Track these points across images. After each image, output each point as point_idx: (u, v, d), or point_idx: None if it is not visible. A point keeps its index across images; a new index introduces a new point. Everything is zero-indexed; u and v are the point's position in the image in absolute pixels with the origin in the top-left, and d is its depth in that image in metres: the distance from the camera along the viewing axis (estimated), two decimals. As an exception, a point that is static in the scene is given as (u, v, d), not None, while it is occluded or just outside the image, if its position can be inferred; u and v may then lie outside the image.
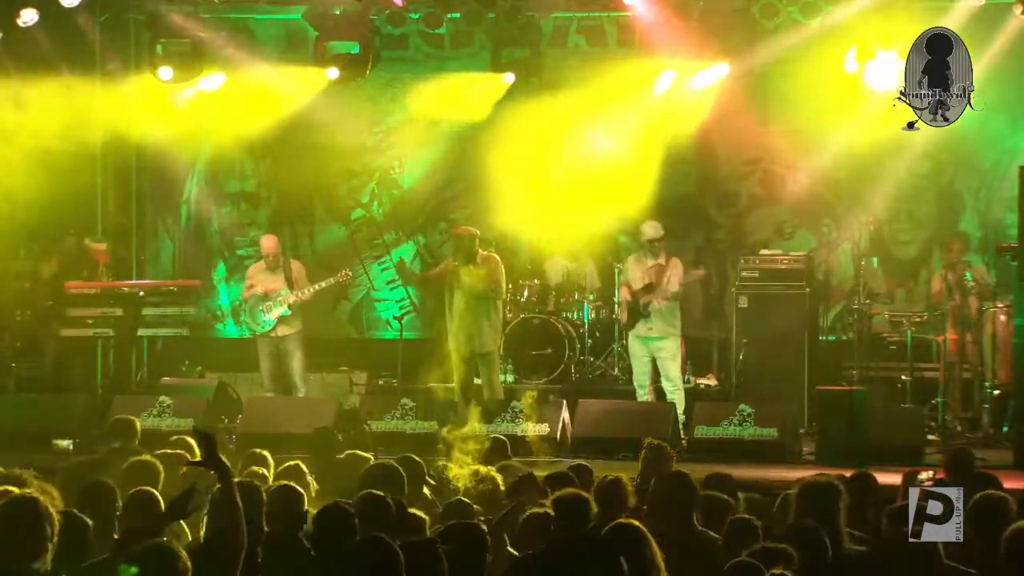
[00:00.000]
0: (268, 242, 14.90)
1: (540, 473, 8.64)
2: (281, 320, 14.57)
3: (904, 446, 12.19)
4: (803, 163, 15.94)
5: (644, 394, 14.06)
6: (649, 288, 14.09)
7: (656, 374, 14.14)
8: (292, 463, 8.65)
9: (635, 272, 14.32)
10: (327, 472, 8.84)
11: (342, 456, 9.10)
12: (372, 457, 9.10)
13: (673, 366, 14.05)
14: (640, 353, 14.18)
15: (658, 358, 14.07)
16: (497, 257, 13.93)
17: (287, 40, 16.90)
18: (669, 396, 13.87)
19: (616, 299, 14.93)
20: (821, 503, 6.80)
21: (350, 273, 15.53)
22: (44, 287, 15.09)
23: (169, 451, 8.98)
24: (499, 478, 8.14)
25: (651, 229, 14.35)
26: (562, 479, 8.02)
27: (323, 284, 15.06)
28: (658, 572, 5.91)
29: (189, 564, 5.30)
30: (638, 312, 14.12)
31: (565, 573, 4.73)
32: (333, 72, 15.64)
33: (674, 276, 14.14)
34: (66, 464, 9.33)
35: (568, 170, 16.10)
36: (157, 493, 7.06)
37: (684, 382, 15.12)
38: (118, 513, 6.88)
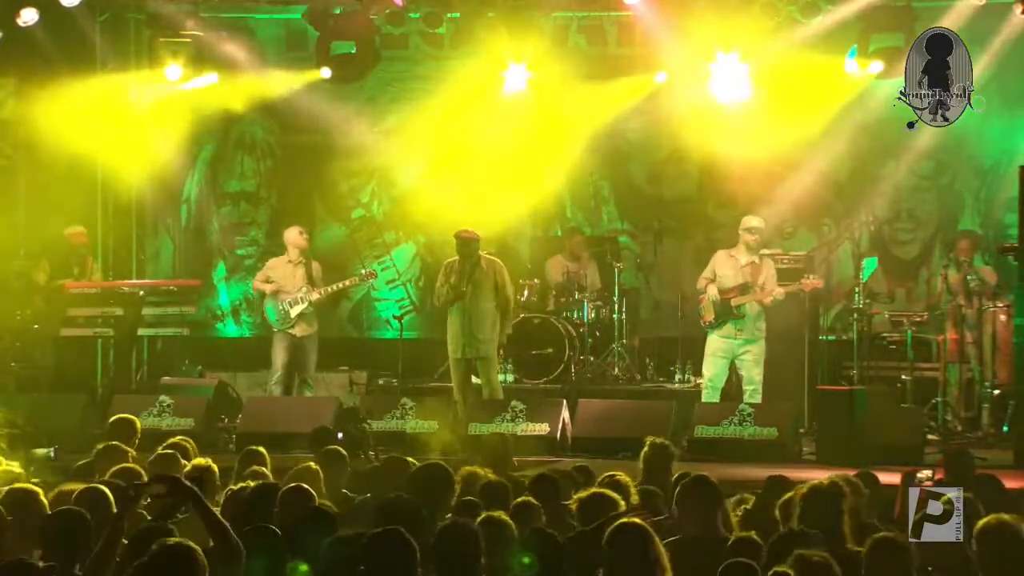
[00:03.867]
0: (300, 237, 14.83)
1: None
2: (301, 318, 14.56)
3: (904, 446, 12.18)
4: (803, 163, 15.94)
5: (714, 395, 13.71)
6: (744, 288, 13.75)
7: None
8: (304, 465, 8.67)
9: (726, 269, 13.82)
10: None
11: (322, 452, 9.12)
12: (343, 451, 9.15)
13: (757, 371, 13.62)
14: (721, 354, 13.73)
15: (741, 361, 13.67)
16: (499, 261, 13.92)
17: (287, 40, 16.90)
18: (748, 398, 13.48)
19: (703, 294, 13.87)
20: (824, 507, 6.79)
21: (375, 273, 15.61)
22: (42, 293, 15.04)
23: (163, 452, 9.01)
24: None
25: (755, 220, 13.94)
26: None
27: (347, 283, 15.09)
28: (663, 571, 5.91)
29: (205, 561, 5.35)
30: (727, 312, 13.72)
31: None
32: (326, 72, 15.63)
33: (771, 278, 13.79)
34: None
35: (568, 169, 16.13)
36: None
37: (684, 382, 15.16)
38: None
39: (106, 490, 6.88)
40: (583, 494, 7.02)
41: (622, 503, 6.91)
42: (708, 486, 7.15)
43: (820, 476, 7.53)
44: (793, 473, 9.43)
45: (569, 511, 7.18)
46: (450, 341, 13.72)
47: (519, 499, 7.30)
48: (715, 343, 13.83)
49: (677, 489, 7.34)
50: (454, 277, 13.62)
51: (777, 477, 8.34)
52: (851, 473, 8.38)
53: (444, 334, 13.92)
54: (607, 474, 7.84)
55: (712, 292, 13.77)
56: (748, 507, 7.62)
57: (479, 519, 6.48)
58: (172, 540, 5.46)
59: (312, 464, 8.53)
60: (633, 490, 7.60)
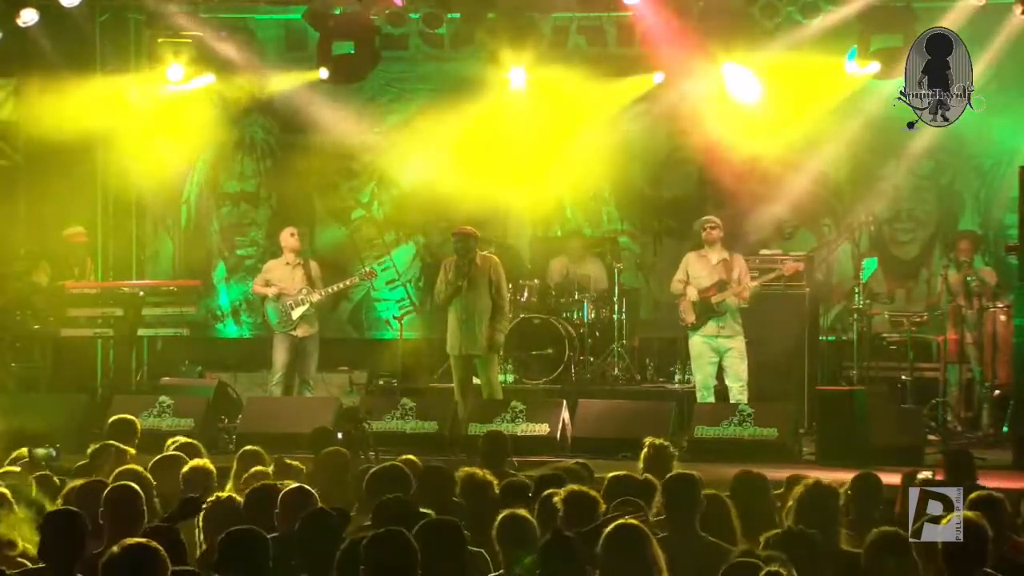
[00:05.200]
0: (292, 239, 14.84)
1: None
2: (302, 319, 14.55)
3: (904, 446, 12.19)
4: (803, 163, 15.94)
5: (709, 396, 13.72)
6: (721, 285, 13.76)
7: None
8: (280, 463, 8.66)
9: (699, 269, 13.87)
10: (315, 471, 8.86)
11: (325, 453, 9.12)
12: (347, 452, 9.15)
13: (743, 366, 13.63)
14: (707, 355, 13.74)
15: (727, 358, 13.67)
16: (496, 258, 13.91)
17: (287, 40, 16.91)
18: (735, 396, 13.51)
19: (681, 297, 13.91)
20: (820, 506, 6.79)
21: (375, 272, 15.58)
22: (44, 295, 15.03)
23: (165, 454, 9.00)
24: (495, 481, 8.08)
25: (709, 215, 14.12)
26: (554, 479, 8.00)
27: (347, 283, 15.07)
28: (659, 572, 5.90)
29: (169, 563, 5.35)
30: (708, 311, 13.76)
31: None
32: (325, 72, 15.62)
33: (744, 272, 13.84)
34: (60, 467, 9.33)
35: (568, 170, 16.13)
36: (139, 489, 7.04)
37: (684, 382, 15.15)
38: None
39: (137, 488, 6.91)
40: (564, 492, 6.95)
41: (603, 504, 6.86)
42: (683, 484, 7.09)
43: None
44: (792, 474, 9.42)
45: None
46: (449, 338, 13.72)
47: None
48: (698, 346, 13.84)
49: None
50: (451, 273, 13.64)
51: (743, 473, 8.19)
52: (851, 474, 8.37)
53: (444, 334, 13.92)
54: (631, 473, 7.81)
55: (691, 293, 13.80)
56: None
57: (502, 515, 6.49)
58: (133, 540, 5.46)
59: (289, 461, 8.55)
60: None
